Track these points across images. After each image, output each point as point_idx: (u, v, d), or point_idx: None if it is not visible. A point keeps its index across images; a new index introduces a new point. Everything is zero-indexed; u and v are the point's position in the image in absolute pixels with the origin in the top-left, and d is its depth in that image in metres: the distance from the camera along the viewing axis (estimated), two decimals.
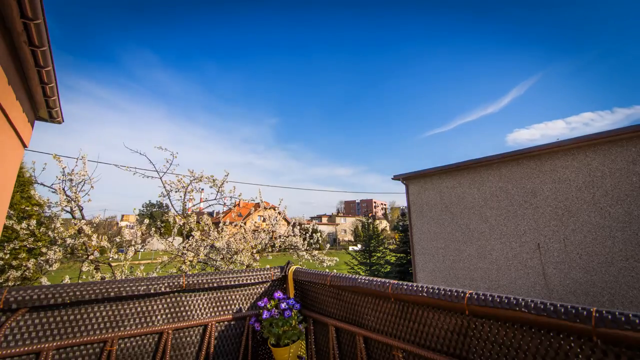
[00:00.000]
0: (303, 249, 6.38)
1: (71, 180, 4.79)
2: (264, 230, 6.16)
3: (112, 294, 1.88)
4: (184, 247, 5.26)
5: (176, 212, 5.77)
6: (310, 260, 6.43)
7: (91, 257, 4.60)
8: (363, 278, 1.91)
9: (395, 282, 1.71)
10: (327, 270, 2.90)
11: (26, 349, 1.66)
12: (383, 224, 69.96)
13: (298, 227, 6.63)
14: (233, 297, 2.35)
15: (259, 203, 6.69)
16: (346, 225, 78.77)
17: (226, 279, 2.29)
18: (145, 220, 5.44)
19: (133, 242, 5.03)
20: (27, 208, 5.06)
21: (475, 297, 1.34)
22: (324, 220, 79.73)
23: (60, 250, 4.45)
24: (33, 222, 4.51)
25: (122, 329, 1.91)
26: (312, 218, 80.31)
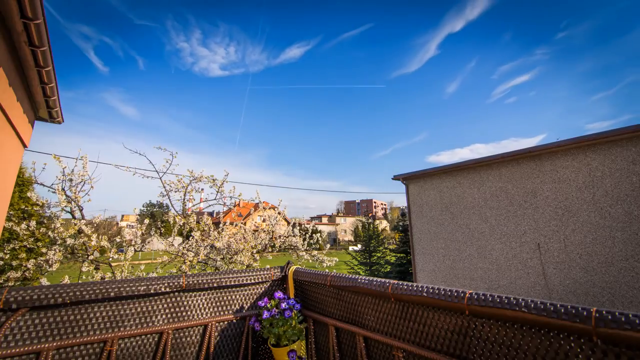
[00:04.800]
0: (303, 249, 6.37)
1: (71, 180, 4.79)
2: (264, 231, 6.16)
3: (112, 294, 1.88)
4: (184, 247, 5.26)
5: (176, 212, 5.77)
6: (310, 261, 6.43)
7: (91, 257, 4.60)
8: (363, 278, 1.91)
9: (395, 282, 1.71)
10: (327, 270, 2.90)
11: (26, 349, 1.66)
12: (383, 224, 69.97)
13: (298, 227, 6.63)
14: (233, 297, 2.35)
15: (258, 203, 6.69)
16: (346, 226, 78.76)
17: (226, 279, 2.29)
18: (145, 220, 5.44)
19: (133, 242, 5.03)
20: (27, 208, 5.06)
21: (475, 297, 1.34)
22: (324, 220, 79.72)
23: (60, 251, 4.44)
24: (33, 222, 4.51)
25: (122, 329, 1.91)
26: (312, 218, 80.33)
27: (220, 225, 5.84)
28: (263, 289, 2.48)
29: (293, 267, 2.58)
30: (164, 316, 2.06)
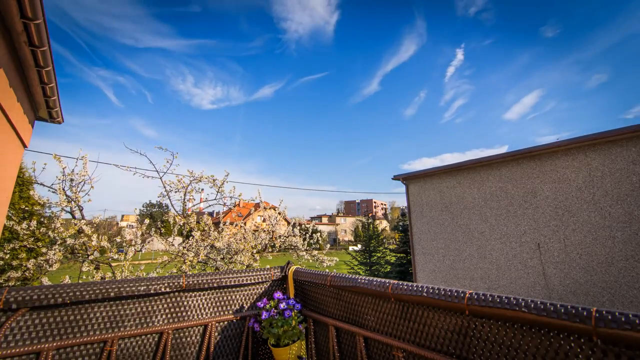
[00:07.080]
0: (303, 249, 6.37)
1: (71, 180, 4.79)
2: (264, 230, 6.16)
3: (112, 294, 1.88)
4: (184, 247, 5.26)
5: (176, 212, 5.77)
6: (310, 260, 6.43)
7: (91, 257, 4.60)
8: (363, 278, 1.91)
9: (395, 282, 1.71)
10: (327, 270, 2.90)
11: (26, 349, 1.66)
12: (383, 224, 69.91)
13: (298, 227, 6.63)
14: (233, 297, 2.35)
15: (258, 203, 6.69)
16: (346, 225, 78.74)
17: (226, 279, 2.29)
18: (145, 221, 5.44)
19: (133, 242, 5.03)
20: (27, 208, 5.06)
21: (475, 297, 1.34)
22: (324, 220, 79.70)
23: (60, 251, 4.44)
24: (33, 222, 4.51)
25: (122, 329, 1.91)
26: (312, 218, 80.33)
27: (220, 225, 5.84)
28: (263, 289, 2.48)
29: (293, 267, 2.58)
30: (164, 316, 2.06)
